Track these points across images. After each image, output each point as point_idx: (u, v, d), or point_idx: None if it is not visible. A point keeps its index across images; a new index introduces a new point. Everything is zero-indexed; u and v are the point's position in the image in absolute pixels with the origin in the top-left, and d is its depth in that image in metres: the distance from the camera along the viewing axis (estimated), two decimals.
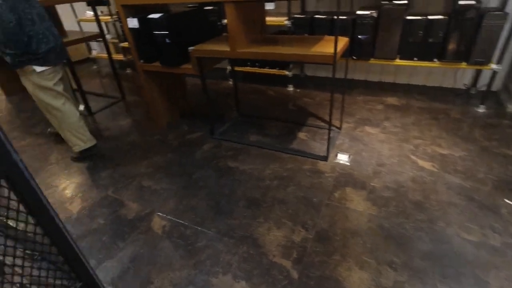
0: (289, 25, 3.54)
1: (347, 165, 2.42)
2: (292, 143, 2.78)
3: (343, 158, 2.49)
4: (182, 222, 2.02)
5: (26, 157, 2.99)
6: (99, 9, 4.83)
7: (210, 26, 2.94)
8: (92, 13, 3.77)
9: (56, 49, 2.46)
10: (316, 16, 3.33)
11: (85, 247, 1.90)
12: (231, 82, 4.41)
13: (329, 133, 2.44)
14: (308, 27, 3.40)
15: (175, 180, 2.44)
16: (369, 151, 2.57)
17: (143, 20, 2.52)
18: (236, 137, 2.96)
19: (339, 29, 3.03)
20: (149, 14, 2.46)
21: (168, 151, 2.84)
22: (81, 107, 3.69)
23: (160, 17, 2.43)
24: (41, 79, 2.41)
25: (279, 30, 3.81)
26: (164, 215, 2.09)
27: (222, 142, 2.90)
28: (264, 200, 2.14)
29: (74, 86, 3.48)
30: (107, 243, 1.90)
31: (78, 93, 3.56)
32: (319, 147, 2.68)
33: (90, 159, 2.83)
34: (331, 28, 3.26)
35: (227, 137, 2.97)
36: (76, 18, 5.11)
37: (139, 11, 2.62)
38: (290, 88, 4.01)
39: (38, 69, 2.40)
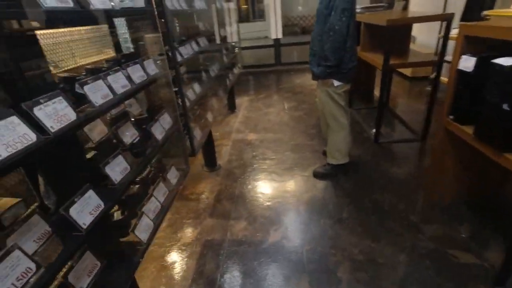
0: None
1: None
2: None
3: None
4: None
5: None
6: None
7: None
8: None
9: (355, 68, 2.41)
10: None
11: None
12: None
13: None
14: None
15: None
16: None
17: (483, 63, 1.57)
18: None
19: None
20: (496, 57, 1.46)
21: (411, 248, 1.93)
22: (374, 130, 3.39)
23: None
24: (335, 93, 2.46)
25: None
26: None
27: None
28: None
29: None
30: None
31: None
32: None
33: (336, 176, 2.79)
34: None
35: None
36: (439, 34, 4.51)
37: (484, 49, 1.65)
38: None
39: (336, 83, 2.43)
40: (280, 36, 6.90)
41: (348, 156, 2.75)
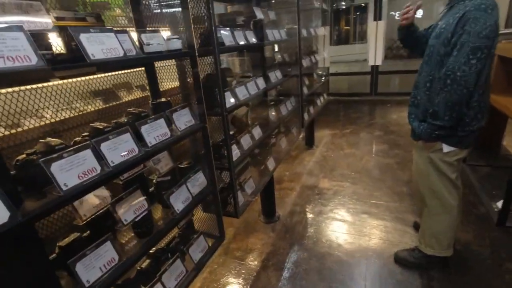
0: None
1: None
2: None
3: None
4: None
5: None
6: None
7: None
8: None
9: (480, 130, 1.64)
10: None
11: None
12: None
13: None
14: None
15: None
16: None
17: None
18: None
19: None
20: None
21: None
22: (499, 204, 2.44)
23: None
24: (442, 161, 1.72)
25: None
26: None
27: None
28: None
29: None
30: None
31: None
32: None
33: (427, 269, 2.00)
34: None
35: None
36: None
37: None
38: None
39: (447, 148, 1.68)
40: (379, 62, 6.06)
41: (451, 247, 1.92)
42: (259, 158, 2.56)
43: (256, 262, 2.26)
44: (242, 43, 1.89)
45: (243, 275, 2.14)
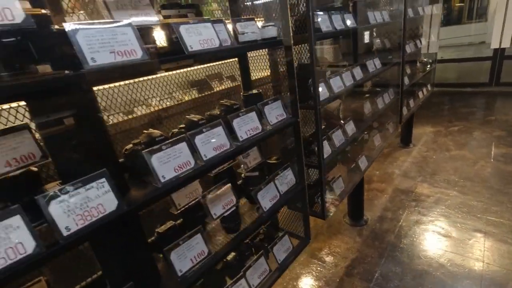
0: None
1: None
2: None
3: None
4: None
5: None
6: None
7: None
8: None
9: None
10: None
11: None
12: None
13: None
14: None
15: None
16: None
17: None
18: None
19: None
20: None
21: None
22: None
23: None
24: None
25: None
26: None
27: None
28: None
29: None
30: None
31: None
32: None
33: None
34: None
35: None
36: None
37: None
38: None
39: None
40: (506, 45, 4.90)
41: None
42: (349, 155, 2.35)
43: (339, 267, 2.10)
44: (339, 28, 1.70)
45: (324, 279, 2.02)
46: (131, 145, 0.95)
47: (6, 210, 0.61)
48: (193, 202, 1.14)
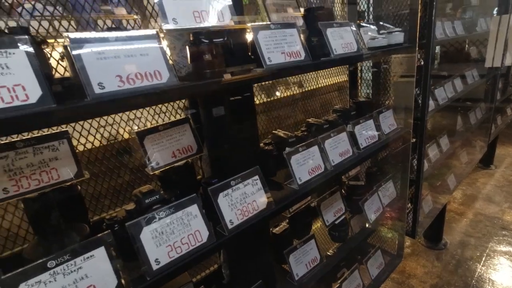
0: None
1: None
2: None
3: None
4: None
5: None
6: None
7: None
8: None
9: None
10: None
11: None
12: None
13: None
14: None
15: None
16: None
17: None
18: None
19: None
20: None
21: None
22: None
23: None
24: None
25: None
26: None
27: None
28: None
29: None
30: None
31: None
32: None
33: None
34: None
35: None
36: None
37: None
38: None
39: None
40: None
41: None
42: (435, 172, 2.18)
43: None
44: (452, 36, 1.58)
45: None
46: (262, 144, 0.97)
47: (187, 198, 0.64)
48: (303, 206, 1.13)
